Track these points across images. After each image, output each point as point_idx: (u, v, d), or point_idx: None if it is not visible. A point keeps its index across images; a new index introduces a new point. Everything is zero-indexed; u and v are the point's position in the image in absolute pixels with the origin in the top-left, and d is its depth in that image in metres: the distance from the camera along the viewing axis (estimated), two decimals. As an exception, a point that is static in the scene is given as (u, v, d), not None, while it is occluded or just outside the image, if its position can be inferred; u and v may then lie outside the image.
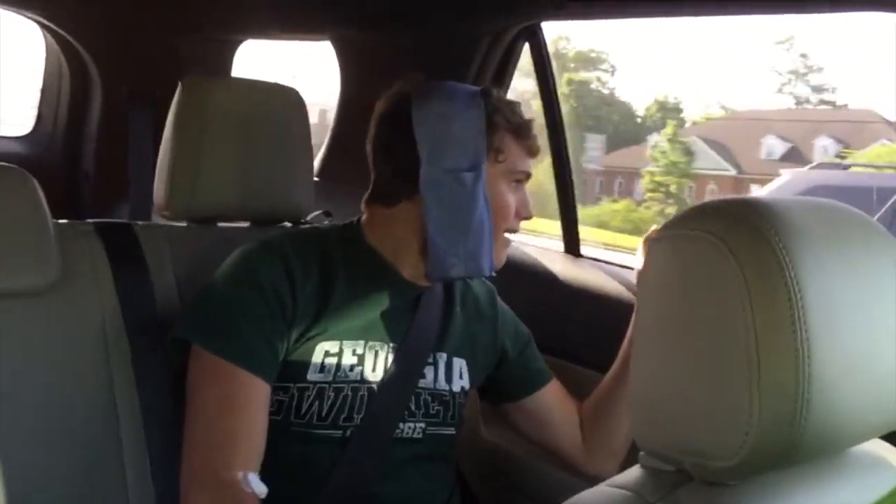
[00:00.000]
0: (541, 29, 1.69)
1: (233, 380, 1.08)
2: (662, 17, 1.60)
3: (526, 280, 1.62)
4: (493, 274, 1.19)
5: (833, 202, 0.68)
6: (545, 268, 1.64)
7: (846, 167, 5.61)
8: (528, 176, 1.21)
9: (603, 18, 1.67)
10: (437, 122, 1.14)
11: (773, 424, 0.58)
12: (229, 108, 1.33)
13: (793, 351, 0.57)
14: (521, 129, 1.19)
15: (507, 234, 1.21)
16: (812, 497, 0.65)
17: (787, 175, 5.58)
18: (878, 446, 0.74)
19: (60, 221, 1.21)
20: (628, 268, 1.57)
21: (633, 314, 1.19)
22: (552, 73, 1.69)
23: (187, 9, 2.17)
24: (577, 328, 1.53)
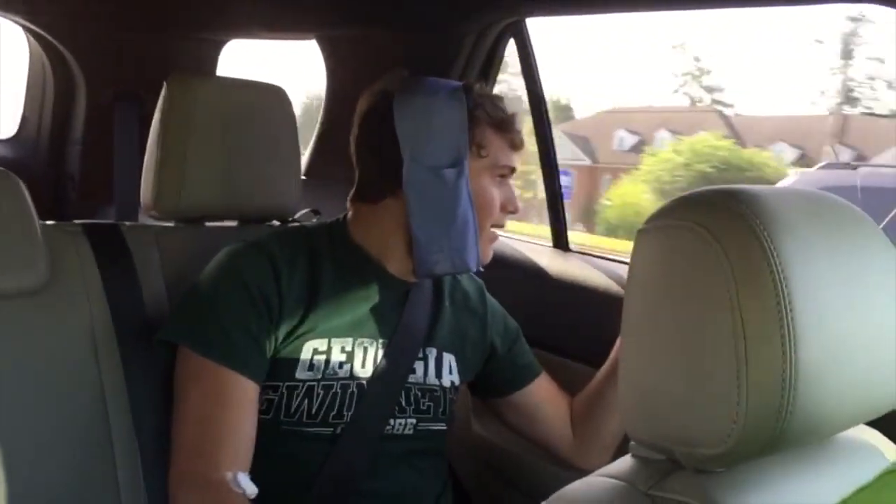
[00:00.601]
0: (525, 25, 1.70)
1: (220, 380, 1.08)
2: (644, 11, 1.61)
3: (515, 275, 1.62)
4: (481, 269, 1.19)
5: (818, 192, 0.69)
6: (534, 262, 1.64)
7: (854, 167, 5.43)
8: (512, 170, 1.21)
9: (587, 13, 1.68)
10: (418, 119, 1.14)
11: (761, 412, 0.58)
12: (215, 107, 1.33)
13: (779, 339, 0.57)
14: (504, 124, 1.18)
15: (494, 229, 1.21)
16: (799, 482, 0.66)
17: (794, 176, 5.52)
18: (863, 432, 0.75)
19: (48, 223, 1.20)
20: (616, 261, 1.58)
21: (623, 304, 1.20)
22: (537, 70, 1.70)
23: (172, 9, 2.16)
24: (567, 322, 1.54)
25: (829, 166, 5.44)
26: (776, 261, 0.58)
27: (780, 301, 0.58)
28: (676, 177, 12.05)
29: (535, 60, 1.71)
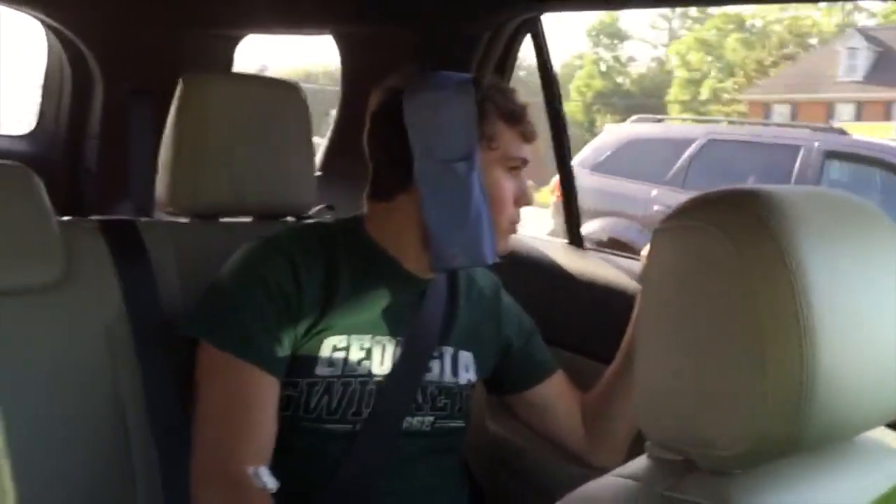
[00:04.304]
0: (541, 21, 1.69)
1: (241, 375, 1.08)
2: (658, 7, 1.60)
3: (530, 272, 1.62)
4: (498, 260, 1.18)
5: (837, 191, 0.68)
6: (549, 259, 1.64)
7: (660, 120, 6.15)
8: (524, 162, 1.19)
9: (603, 9, 1.67)
10: (427, 114, 1.14)
11: (778, 413, 0.58)
12: (230, 104, 1.33)
13: (796, 340, 0.57)
14: (514, 115, 1.17)
15: (511, 223, 1.20)
16: (818, 485, 0.65)
17: (606, 131, 6.21)
18: (884, 434, 0.74)
19: (64, 219, 1.21)
20: (632, 258, 1.57)
21: (637, 305, 1.19)
22: (552, 66, 1.69)
23: (188, 4, 2.17)
24: (581, 319, 1.53)
25: (639, 120, 5.94)
26: (793, 262, 0.58)
27: (797, 302, 0.57)
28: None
29: (549, 56, 1.70)
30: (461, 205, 1.13)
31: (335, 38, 2.14)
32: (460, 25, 1.76)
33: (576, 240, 1.71)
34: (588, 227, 4.41)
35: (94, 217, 1.28)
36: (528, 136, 1.19)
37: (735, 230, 0.60)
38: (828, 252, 0.60)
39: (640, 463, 0.68)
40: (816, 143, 4.71)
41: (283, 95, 1.40)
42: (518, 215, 1.21)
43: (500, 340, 1.31)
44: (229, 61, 2.43)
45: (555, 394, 1.34)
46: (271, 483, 1.04)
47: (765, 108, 17.62)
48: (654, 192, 5.16)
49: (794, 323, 0.57)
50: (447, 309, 1.24)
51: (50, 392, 1.14)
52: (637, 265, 1.51)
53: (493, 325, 1.30)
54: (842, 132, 5.30)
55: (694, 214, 0.63)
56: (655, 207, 5.07)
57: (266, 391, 1.09)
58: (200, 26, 2.28)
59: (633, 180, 5.26)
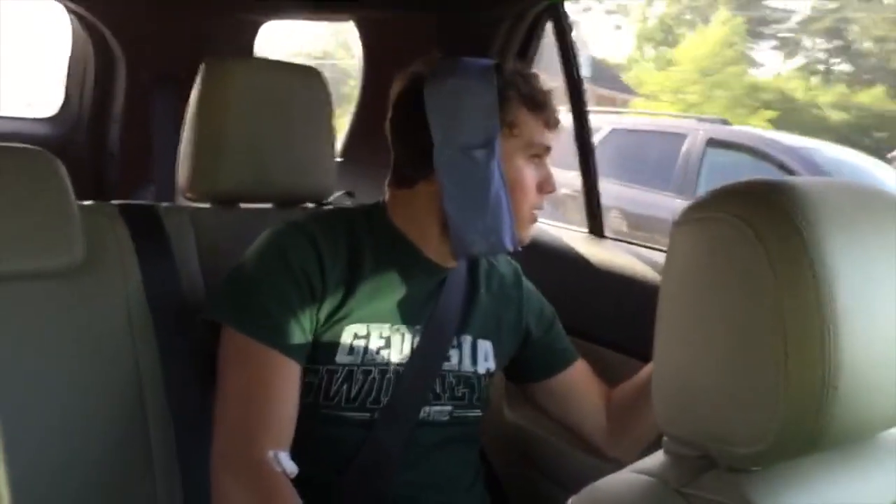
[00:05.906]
0: (563, 7, 1.67)
1: (264, 360, 1.08)
2: None
3: (550, 261, 1.61)
4: (519, 249, 1.17)
5: (865, 184, 0.67)
6: (570, 249, 1.63)
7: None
8: (547, 149, 1.18)
9: None
10: (448, 101, 1.12)
11: (800, 410, 0.57)
12: (251, 89, 1.33)
13: (819, 335, 0.56)
14: (536, 102, 1.15)
15: (534, 211, 1.19)
16: (838, 484, 0.64)
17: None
18: None
19: (85, 203, 1.21)
20: (653, 248, 1.55)
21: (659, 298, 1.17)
22: (575, 53, 1.67)
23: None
24: (602, 309, 1.52)
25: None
26: (817, 254, 0.56)
27: (821, 295, 0.56)
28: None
29: (572, 43, 1.68)
30: (481, 192, 1.12)
31: (356, 24, 2.13)
32: (481, 12, 1.75)
33: (597, 229, 1.70)
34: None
35: (115, 202, 1.28)
36: (550, 124, 1.17)
37: (758, 221, 0.59)
38: (853, 245, 0.59)
39: (657, 459, 0.67)
40: (701, 132, 5.13)
41: (305, 81, 1.39)
42: (541, 203, 1.20)
43: (520, 329, 1.30)
44: (250, 46, 2.43)
45: (574, 383, 1.33)
46: (291, 468, 1.04)
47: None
48: (569, 175, 5.57)
49: (818, 317, 0.56)
50: (467, 298, 1.23)
51: (70, 375, 1.14)
52: (657, 256, 1.50)
53: (513, 314, 1.29)
54: (724, 122, 5.67)
55: (716, 206, 0.62)
56: (563, 191, 5.61)
57: (288, 376, 1.09)
58: (223, 11, 2.28)
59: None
